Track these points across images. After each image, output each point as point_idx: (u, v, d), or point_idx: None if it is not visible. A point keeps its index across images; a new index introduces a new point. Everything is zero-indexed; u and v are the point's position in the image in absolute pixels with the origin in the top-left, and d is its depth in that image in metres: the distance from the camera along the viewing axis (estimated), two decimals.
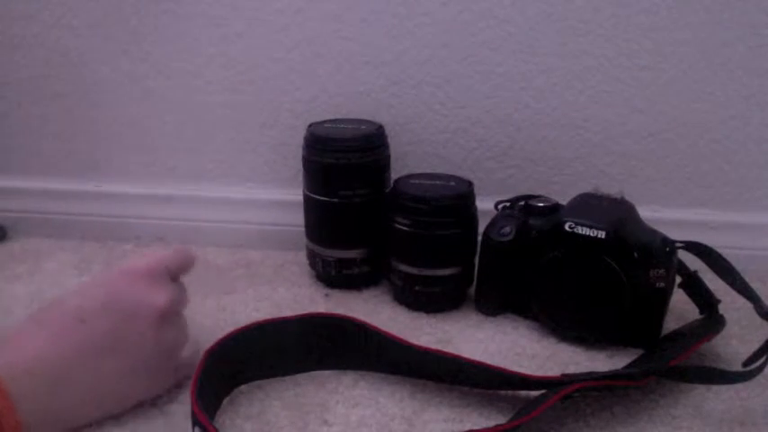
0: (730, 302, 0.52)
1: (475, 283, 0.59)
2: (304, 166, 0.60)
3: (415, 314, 0.58)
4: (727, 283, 0.49)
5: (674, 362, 0.45)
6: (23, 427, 0.36)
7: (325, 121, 0.63)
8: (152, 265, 0.45)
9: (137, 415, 0.44)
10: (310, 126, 0.61)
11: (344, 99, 0.67)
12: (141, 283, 0.44)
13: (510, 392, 0.46)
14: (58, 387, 0.39)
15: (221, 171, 0.72)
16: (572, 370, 0.49)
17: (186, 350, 0.46)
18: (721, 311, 0.51)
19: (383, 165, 0.61)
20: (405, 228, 0.56)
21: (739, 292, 0.48)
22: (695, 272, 0.52)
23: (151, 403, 0.45)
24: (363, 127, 0.61)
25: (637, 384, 0.45)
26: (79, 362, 0.40)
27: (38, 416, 0.37)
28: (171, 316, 0.45)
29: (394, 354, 0.47)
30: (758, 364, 0.44)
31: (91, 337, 0.41)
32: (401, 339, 0.47)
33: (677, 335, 0.51)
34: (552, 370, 0.49)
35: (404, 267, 0.57)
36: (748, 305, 0.47)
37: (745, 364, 0.45)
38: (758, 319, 0.46)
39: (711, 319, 0.51)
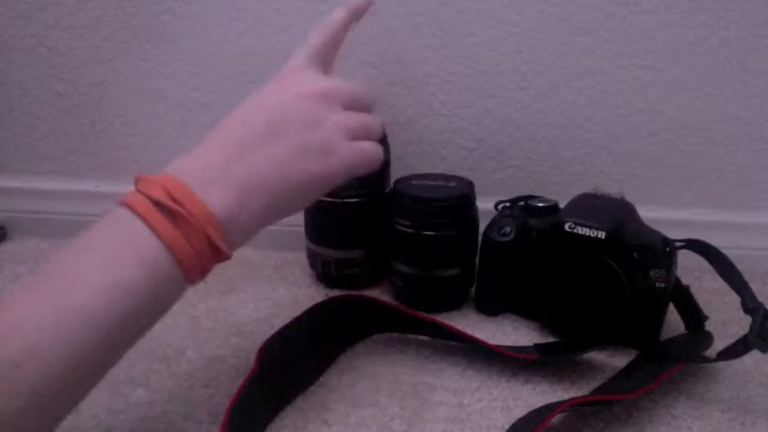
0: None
1: (475, 283, 0.59)
2: None
3: None
4: (726, 281, 0.49)
5: (664, 376, 0.45)
6: (208, 206, 0.36)
7: None
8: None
9: (136, 414, 0.44)
10: None
11: None
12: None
13: (510, 394, 0.47)
14: (233, 172, 0.38)
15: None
16: (572, 369, 0.49)
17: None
18: (725, 319, 0.52)
19: (383, 165, 0.61)
20: (405, 229, 0.56)
21: (733, 287, 0.48)
22: (687, 287, 0.52)
23: (151, 401, 0.45)
24: None
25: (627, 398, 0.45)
26: (249, 149, 0.39)
27: (222, 198, 0.37)
28: (337, 100, 0.43)
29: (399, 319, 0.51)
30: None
31: (254, 130, 0.40)
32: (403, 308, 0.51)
33: (667, 345, 0.51)
34: (552, 370, 0.49)
35: (404, 268, 0.57)
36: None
37: (720, 355, 0.46)
38: None
39: (698, 335, 0.51)
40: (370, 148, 0.44)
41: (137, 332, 0.36)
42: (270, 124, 0.40)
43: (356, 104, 0.44)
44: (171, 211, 0.35)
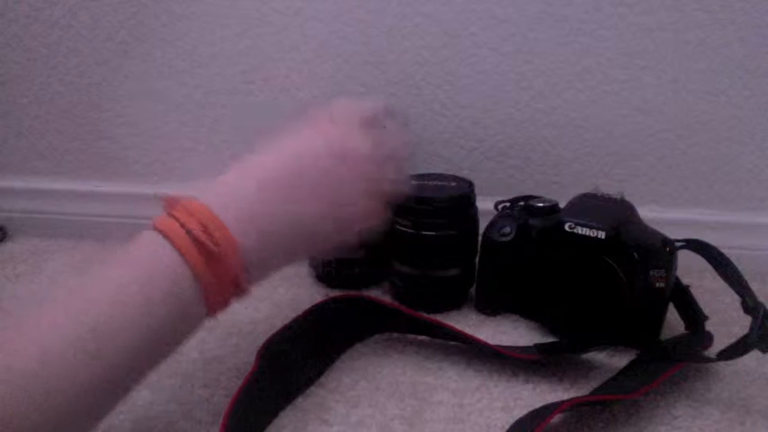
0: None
1: (475, 283, 0.59)
2: None
3: None
4: (726, 281, 0.49)
5: (663, 377, 0.45)
6: (240, 246, 0.37)
7: None
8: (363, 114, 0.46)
9: (136, 414, 0.44)
10: None
11: None
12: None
13: (510, 394, 0.47)
14: (262, 214, 0.39)
15: (221, 171, 0.72)
16: (572, 369, 0.49)
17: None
18: (725, 319, 0.51)
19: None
20: (405, 229, 0.56)
21: (733, 287, 0.48)
22: (687, 286, 0.52)
23: (151, 401, 0.45)
24: None
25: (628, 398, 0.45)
26: (279, 199, 0.40)
27: (246, 236, 0.38)
28: (372, 168, 0.44)
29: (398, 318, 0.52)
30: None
31: (290, 179, 0.41)
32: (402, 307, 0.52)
33: (667, 345, 0.51)
34: (552, 370, 0.49)
35: (404, 268, 0.57)
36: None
37: (720, 355, 0.46)
38: None
39: (698, 335, 0.51)
40: (383, 211, 0.46)
41: (149, 359, 0.36)
42: (300, 175, 0.41)
43: (384, 156, 0.46)
44: (205, 247, 0.36)
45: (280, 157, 0.42)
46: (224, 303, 0.38)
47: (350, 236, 0.44)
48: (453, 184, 0.58)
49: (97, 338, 0.33)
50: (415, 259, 0.57)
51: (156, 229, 0.37)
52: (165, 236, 0.36)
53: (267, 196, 0.40)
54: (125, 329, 0.34)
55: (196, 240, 0.36)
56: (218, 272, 0.36)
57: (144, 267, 0.36)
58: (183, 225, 0.36)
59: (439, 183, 0.58)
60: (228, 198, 0.39)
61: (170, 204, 0.38)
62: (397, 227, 0.56)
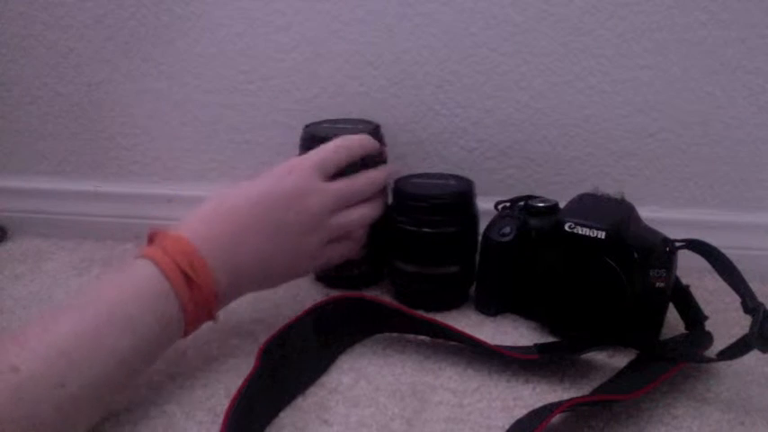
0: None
1: (475, 283, 0.59)
2: None
3: None
4: (726, 281, 0.49)
5: (662, 378, 0.45)
6: (214, 277, 0.45)
7: (322, 122, 0.63)
8: (316, 162, 0.52)
9: (136, 414, 0.44)
10: (307, 126, 0.61)
11: (344, 99, 0.67)
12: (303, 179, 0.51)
13: (510, 394, 0.47)
14: (233, 253, 0.46)
15: (221, 171, 0.72)
16: (572, 369, 0.49)
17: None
18: (725, 319, 0.51)
19: (380, 163, 0.61)
20: (405, 226, 0.56)
21: (733, 287, 0.48)
22: (687, 286, 0.52)
23: (151, 401, 0.45)
24: (360, 126, 0.61)
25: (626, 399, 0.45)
26: (246, 238, 0.47)
27: (220, 271, 0.45)
28: (322, 218, 0.51)
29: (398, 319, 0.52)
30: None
31: (257, 219, 0.48)
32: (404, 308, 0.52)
33: (667, 345, 0.51)
34: (552, 370, 0.49)
35: (404, 266, 0.57)
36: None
37: (720, 355, 0.46)
38: None
39: (698, 335, 0.51)
40: (348, 250, 0.55)
41: (127, 372, 0.41)
42: (270, 221, 0.48)
43: (353, 200, 0.54)
44: (188, 276, 0.43)
45: (246, 202, 0.48)
46: (197, 325, 0.46)
47: (303, 273, 0.52)
48: (453, 182, 0.58)
49: (85, 349, 0.38)
50: (414, 256, 0.57)
51: (145, 257, 0.43)
52: (156, 263, 0.42)
53: (234, 237, 0.47)
54: (117, 339, 0.40)
55: (180, 269, 0.43)
56: (196, 297, 0.44)
57: (135, 288, 0.42)
58: (169, 255, 0.43)
59: (439, 181, 0.58)
60: (204, 235, 0.45)
61: (158, 236, 0.45)
62: (398, 224, 0.56)
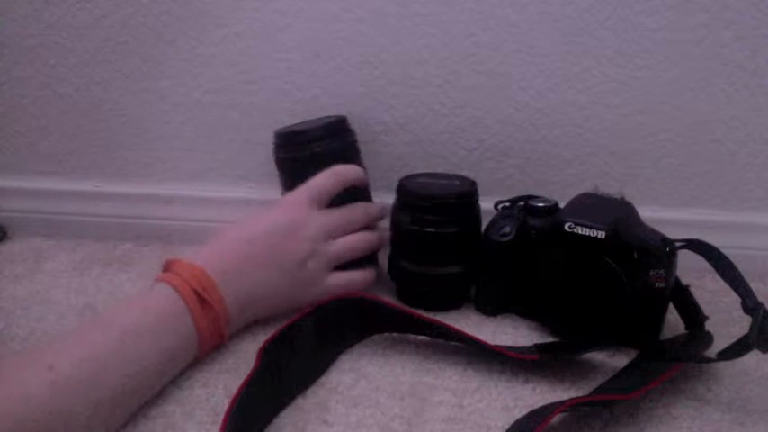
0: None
1: (475, 283, 0.59)
2: (287, 166, 0.60)
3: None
4: (726, 281, 0.49)
5: (662, 377, 0.45)
6: (226, 303, 0.49)
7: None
8: (312, 195, 0.55)
9: (136, 414, 0.44)
10: (277, 131, 0.61)
11: (344, 99, 0.67)
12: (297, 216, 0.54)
13: (510, 394, 0.47)
14: (239, 281, 0.50)
15: (221, 171, 0.72)
16: (572, 369, 0.49)
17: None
18: (725, 319, 0.51)
19: (346, 153, 0.60)
20: (407, 225, 0.56)
21: (733, 287, 0.48)
22: (687, 286, 0.52)
23: (151, 401, 0.45)
24: (456, 182, 0.58)
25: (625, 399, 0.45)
26: (250, 269, 0.51)
27: (230, 296, 0.49)
28: (317, 245, 0.54)
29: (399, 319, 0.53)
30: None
31: (259, 252, 0.52)
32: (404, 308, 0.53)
33: (667, 345, 0.51)
34: (552, 370, 0.49)
35: (406, 265, 0.57)
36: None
37: (720, 355, 0.46)
38: None
39: (698, 335, 0.51)
40: (351, 279, 0.57)
41: (149, 381, 0.45)
42: (272, 254, 0.52)
43: (350, 228, 0.57)
44: (204, 301, 0.47)
45: (251, 236, 0.53)
46: (210, 348, 0.49)
47: (306, 301, 0.53)
48: (456, 182, 0.58)
49: (103, 365, 0.41)
50: (416, 255, 0.57)
51: (163, 282, 0.47)
52: (172, 286, 0.47)
53: (241, 267, 0.51)
54: (140, 348, 0.43)
55: (197, 294, 0.47)
56: (211, 324, 0.48)
57: (154, 305, 0.46)
58: (186, 282, 0.47)
59: (443, 181, 0.58)
60: (216, 265, 0.50)
61: (175, 265, 0.49)
62: (400, 223, 0.56)
